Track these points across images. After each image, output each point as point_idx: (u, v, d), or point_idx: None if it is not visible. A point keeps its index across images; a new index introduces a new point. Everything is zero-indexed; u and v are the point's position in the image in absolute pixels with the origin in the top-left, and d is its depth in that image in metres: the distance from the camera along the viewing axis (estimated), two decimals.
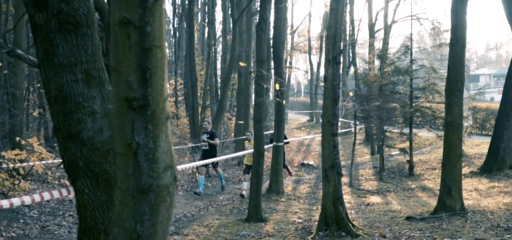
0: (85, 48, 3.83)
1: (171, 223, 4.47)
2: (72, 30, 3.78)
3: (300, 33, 55.40)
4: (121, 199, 2.91)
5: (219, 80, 39.49)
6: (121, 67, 2.79)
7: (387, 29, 33.00)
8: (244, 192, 16.25)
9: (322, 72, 46.83)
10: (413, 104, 20.42)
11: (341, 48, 10.78)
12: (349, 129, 30.98)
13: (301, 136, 37.14)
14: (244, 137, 21.22)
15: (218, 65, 42.44)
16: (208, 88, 33.89)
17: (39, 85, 29.66)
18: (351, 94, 22.87)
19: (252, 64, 28.12)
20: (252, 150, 15.31)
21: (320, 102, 51.69)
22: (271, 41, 18.17)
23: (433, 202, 13.83)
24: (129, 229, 2.90)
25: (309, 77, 58.21)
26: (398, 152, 22.19)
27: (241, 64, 20.09)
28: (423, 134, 24.98)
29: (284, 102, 16.66)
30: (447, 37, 21.78)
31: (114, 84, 2.84)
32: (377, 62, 23.65)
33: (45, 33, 3.77)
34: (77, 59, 3.82)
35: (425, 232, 10.31)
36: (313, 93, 48.62)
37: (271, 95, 36.32)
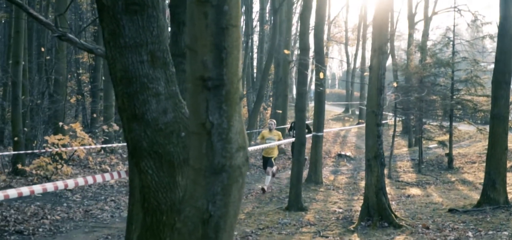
0: (151, 29, 3.85)
1: None
2: (138, 11, 3.80)
3: (336, 24, 55.08)
4: (193, 178, 2.91)
5: (255, 70, 39.50)
6: (197, 46, 2.79)
7: (427, 20, 32.53)
8: (266, 186, 15.61)
9: (358, 64, 46.46)
10: (454, 97, 20.13)
11: (387, 37, 10.67)
12: (386, 121, 30.72)
13: (337, 127, 36.96)
14: (285, 126, 21.07)
15: (254, 55, 42.44)
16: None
17: (78, 72, 30.11)
18: (395, 84, 22.61)
19: (292, 53, 28.04)
20: (274, 142, 15.27)
21: (356, 94, 51.39)
22: (312, 30, 18.07)
23: (474, 195, 13.64)
24: (201, 209, 2.90)
25: (345, 69, 57.88)
26: (436, 145, 21.93)
27: (286, 52, 20.04)
28: (463, 127, 24.63)
29: (327, 91, 16.58)
30: (487, 30, 21.42)
31: (189, 64, 2.84)
32: (416, 54, 23.37)
33: (111, 13, 3.79)
34: (142, 40, 3.83)
35: (468, 224, 10.17)
36: (349, 82, 48.25)
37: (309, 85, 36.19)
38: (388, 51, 35.70)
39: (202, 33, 2.77)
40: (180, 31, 5.66)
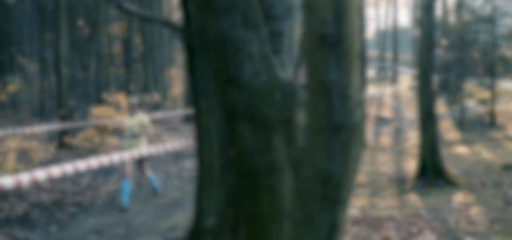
0: None
1: None
2: None
3: None
4: (312, 138, 2.89)
5: None
6: (316, 3, 2.75)
7: None
8: None
9: (389, 23, 45.92)
10: (495, 53, 19.78)
11: None
12: None
13: (372, 89, 36.68)
14: None
15: None
16: None
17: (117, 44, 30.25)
18: (444, 41, 22.28)
19: None
20: None
21: (387, 55, 50.82)
22: None
23: None
24: (320, 168, 2.88)
25: (377, 29, 57.24)
26: (477, 103, 21.63)
27: None
28: (504, 85, 24.24)
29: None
30: None
31: (306, 21, 2.81)
32: (456, 11, 22.95)
33: None
34: (235, 2, 3.80)
35: None
36: (381, 43, 47.76)
37: None
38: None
39: None
40: None
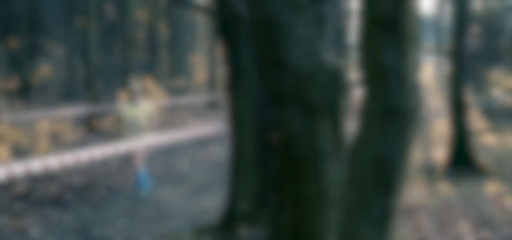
0: None
1: None
2: None
3: None
4: (367, 122, 2.89)
5: None
6: None
7: None
8: None
9: None
10: None
11: None
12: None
13: None
14: None
15: None
16: None
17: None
18: (475, 29, 22.02)
19: None
20: None
21: None
22: None
23: None
24: (375, 153, 2.87)
25: None
26: (504, 91, 21.39)
27: None
28: None
29: None
30: None
31: (364, 4, 2.79)
32: None
33: None
34: None
35: None
36: None
37: None
38: None
39: None
40: None
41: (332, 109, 3.85)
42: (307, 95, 3.93)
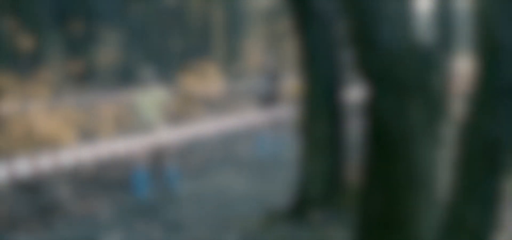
0: None
1: None
2: None
3: None
4: (477, 101, 2.74)
5: None
6: None
7: None
8: None
9: None
10: None
11: None
12: None
13: None
14: None
15: None
16: None
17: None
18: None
19: None
20: None
21: None
22: None
23: None
24: (486, 134, 2.73)
25: None
26: None
27: None
28: None
29: None
30: None
31: None
32: None
33: None
34: None
35: None
36: None
37: None
38: None
39: None
40: None
41: (425, 90, 3.73)
42: (398, 76, 3.81)
